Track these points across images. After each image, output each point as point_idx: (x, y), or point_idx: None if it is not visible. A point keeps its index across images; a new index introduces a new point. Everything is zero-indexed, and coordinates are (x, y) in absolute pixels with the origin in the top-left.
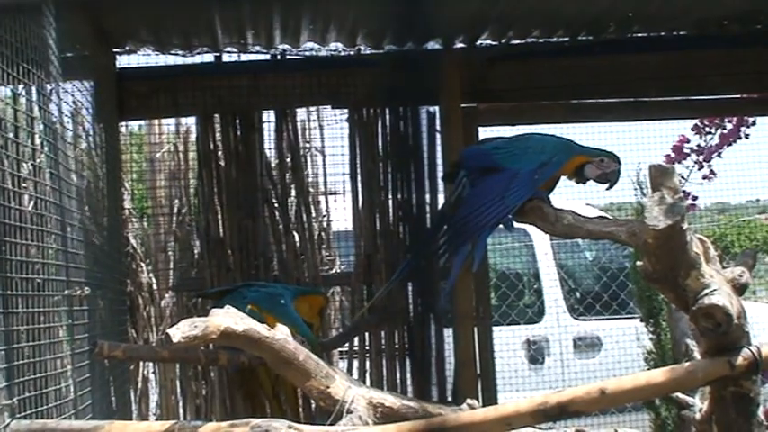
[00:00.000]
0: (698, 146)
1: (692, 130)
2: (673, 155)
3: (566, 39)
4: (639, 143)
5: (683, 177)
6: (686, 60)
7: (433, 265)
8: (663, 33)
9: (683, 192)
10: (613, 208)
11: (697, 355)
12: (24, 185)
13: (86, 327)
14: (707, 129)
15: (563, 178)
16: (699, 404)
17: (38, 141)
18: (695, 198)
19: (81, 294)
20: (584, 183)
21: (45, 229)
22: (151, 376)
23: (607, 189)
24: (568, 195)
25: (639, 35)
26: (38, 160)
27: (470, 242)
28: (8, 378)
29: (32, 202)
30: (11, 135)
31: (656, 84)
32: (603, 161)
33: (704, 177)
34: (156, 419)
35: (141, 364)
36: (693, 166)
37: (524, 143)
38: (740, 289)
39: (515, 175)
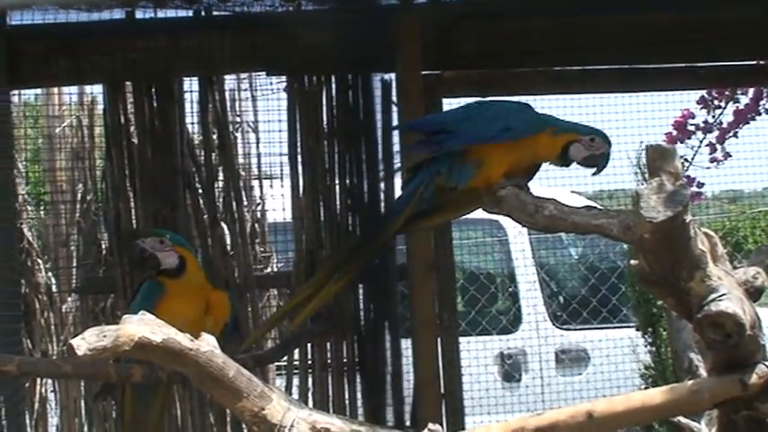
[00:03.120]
0: (705, 122)
1: (698, 103)
2: (675, 133)
3: None
4: (638, 119)
5: (686, 160)
6: (690, 21)
7: (387, 265)
8: None
9: (687, 177)
10: (604, 196)
11: (703, 371)
12: None
13: None
14: (716, 102)
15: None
16: (705, 431)
17: None
18: (701, 185)
19: None
20: (568, 165)
21: None
22: (50, 396)
23: (593, 174)
24: (550, 181)
25: None
26: None
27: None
28: None
29: None
30: None
31: (654, 48)
32: (594, 141)
33: (712, 160)
34: None
35: (39, 381)
36: (700, 147)
37: (484, 111)
38: (754, 293)
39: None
